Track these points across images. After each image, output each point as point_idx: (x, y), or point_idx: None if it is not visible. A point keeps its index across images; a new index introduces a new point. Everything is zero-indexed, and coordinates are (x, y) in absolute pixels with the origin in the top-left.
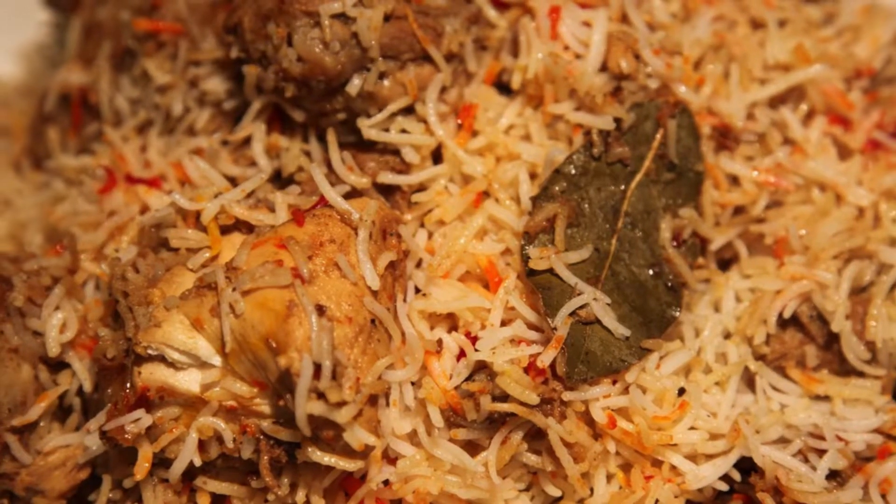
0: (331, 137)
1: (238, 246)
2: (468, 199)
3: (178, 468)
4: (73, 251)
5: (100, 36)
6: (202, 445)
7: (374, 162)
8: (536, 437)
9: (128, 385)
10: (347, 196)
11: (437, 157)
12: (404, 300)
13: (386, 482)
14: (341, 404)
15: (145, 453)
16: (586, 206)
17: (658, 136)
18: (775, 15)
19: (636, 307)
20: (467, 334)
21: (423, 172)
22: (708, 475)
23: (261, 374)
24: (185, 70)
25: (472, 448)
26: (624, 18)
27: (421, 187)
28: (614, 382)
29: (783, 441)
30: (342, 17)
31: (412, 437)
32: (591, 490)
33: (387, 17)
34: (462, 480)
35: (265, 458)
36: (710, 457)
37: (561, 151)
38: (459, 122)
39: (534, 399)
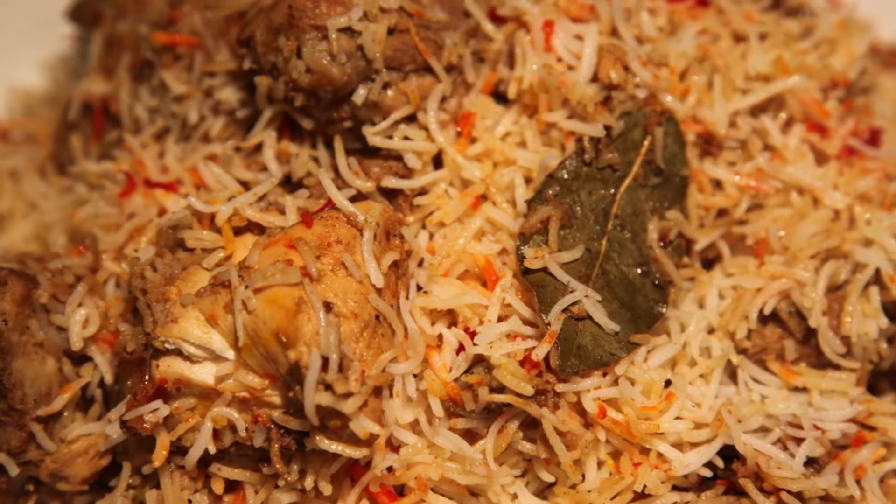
0: (338, 144)
1: (250, 246)
2: (467, 202)
3: (193, 455)
4: (95, 251)
5: (120, 49)
6: (216, 434)
7: (379, 167)
8: (531, 426)
9: (146, 377)
10: (353, 199)
11: (437, 162)
12: (407, 297)
13: (389, 469)
14: (347, 395)
15: (163, 441)
16: (578, 208)
17: (646, 143)
18: (756, 29)
19: (625, 304)
20: (466, 329)
21: (424, 177)
22: (693, 462)
23: (272, 366)
24: (201, 81)
25: (471, 436)
26: (614, 32)
27: (422, 191)
28: (604, 375)
29: (763, 430)
30: (348, 30)
31: (414, 427)
32: (583, 476)
33: (390, 31)
34: (461, 467)
35: (276, 446)
36: (694, 445)
37: (554, 157)
38: (459, 129)
39: (529, 390)
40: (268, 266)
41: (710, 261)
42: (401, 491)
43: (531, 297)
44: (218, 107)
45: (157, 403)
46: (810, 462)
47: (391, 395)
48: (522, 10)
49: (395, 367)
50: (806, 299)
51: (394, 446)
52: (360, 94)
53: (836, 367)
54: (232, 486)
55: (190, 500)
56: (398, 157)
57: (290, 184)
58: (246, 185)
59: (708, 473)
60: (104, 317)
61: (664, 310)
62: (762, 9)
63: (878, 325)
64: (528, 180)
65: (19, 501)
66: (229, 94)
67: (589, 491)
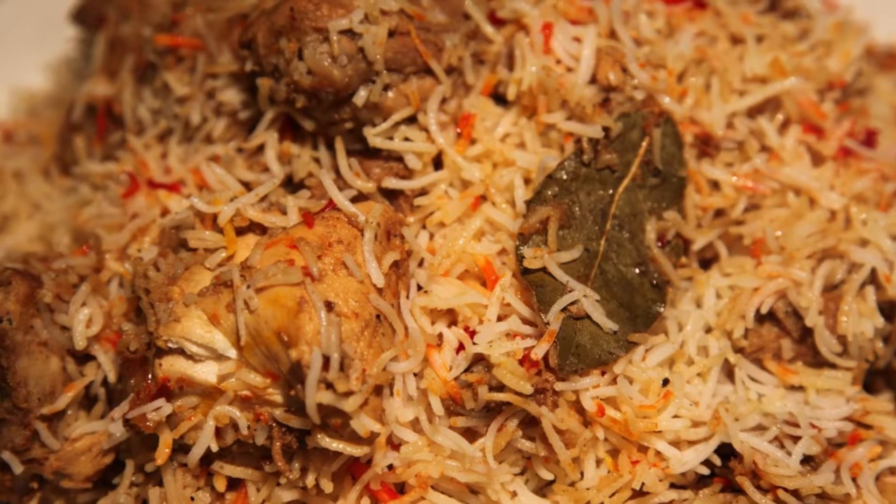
0: (339, 145)
1: (252, 246)
2: (467, 202)
3: (196, 453)
4: (99, 251)
5: (123, 50)
6: (219, 432)
7: (379, 168)
8: (530, 424)
9: (149, 376)
10: (354, 200)
11: (437, 163)
12: (407, 297)
13: (390, 467)
14: (348, 394)
15: (166, 439)
16: (577, 209)
17: (644, 144)
18: (753, 31)
19: (623, 303)
20: (466, 329)
21: (424, 178)
22: (690, 460)
23: (273, 365)
24: (203, 82)
25: (471, 435)
26: (612, 34)
27: (423, 192)
28: (603, 373)
29: (760, 428)
30: (349, 32)
31: (414, 425)
32: (582, 474)
33: (391, 33)
34: (461, 465)
35: (277, 444)
36: (692, 443)
37: (553, 158)
38: (458, 130)
39: (528, 389)
40: (269, 266)
41: (707, 261)
42: (401, 489)
43: (530, 297)
44: (220, 108)
45: (160, 402)
46: (807, 460)
47: (392, 394)
48: (522, 13)
49: (395, 366)
50: (802, 299)
51: (394, 444)
52: (360, 96)
53: (833, 366)
54: (234, 484)
55: (192, 498)
56: (399, 158)
57: (291, 184)
58: (248, 186)
59: (705, 471)
60: (107, 316)
61: (662, 309)
62: (759, 11)
63: (874, 325)
64: (527, 181)
65: (23, 499)
66: (231, 96)
67: (588, 489)
